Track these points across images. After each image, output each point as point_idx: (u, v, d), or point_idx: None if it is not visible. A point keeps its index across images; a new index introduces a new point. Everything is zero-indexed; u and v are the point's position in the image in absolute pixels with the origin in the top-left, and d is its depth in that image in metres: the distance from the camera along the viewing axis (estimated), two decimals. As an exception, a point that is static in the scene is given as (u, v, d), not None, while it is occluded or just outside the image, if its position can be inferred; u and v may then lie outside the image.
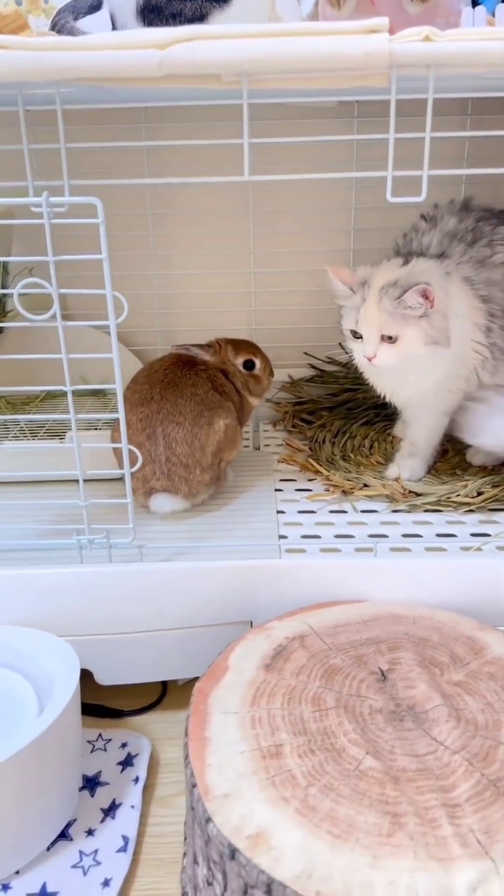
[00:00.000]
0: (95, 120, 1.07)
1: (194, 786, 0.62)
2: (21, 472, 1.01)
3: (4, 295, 1.17)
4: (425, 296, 0.87)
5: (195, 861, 0.64)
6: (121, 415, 0.80)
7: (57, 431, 1.18)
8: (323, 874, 0.54)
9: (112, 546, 0.86)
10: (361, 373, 1.03)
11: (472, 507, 1.00)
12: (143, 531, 0.91)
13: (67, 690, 0.73)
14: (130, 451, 0.82)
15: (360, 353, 0.93)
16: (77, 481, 1.04)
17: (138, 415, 0.93)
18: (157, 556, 0.87)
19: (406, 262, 0.93)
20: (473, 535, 0.95)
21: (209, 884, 0.62)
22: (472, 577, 0.87)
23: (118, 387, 0.79)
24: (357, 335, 0.93)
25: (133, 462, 0.82)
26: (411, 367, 0.93)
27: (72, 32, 0.95)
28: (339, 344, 1.29)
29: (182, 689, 0.96)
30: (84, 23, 0.98)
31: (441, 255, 0.96)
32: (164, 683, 0.97)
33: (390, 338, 0.90)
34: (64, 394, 1.32)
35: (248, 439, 1.27)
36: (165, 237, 1.29)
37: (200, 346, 1.05)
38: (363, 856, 0.55)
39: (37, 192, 0.73)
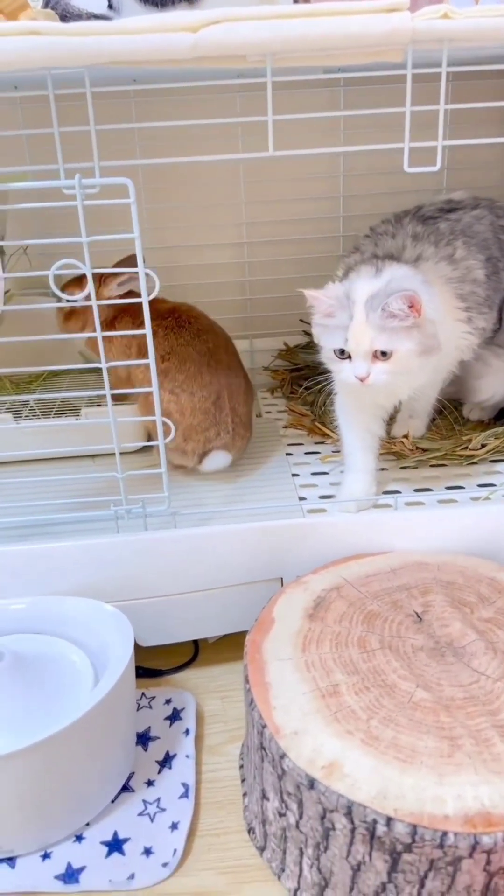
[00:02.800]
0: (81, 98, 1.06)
1: (264, 727, 0.67)
2: (64, 448, 1.04)
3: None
4: (411, 304, 0.82)
5: (263, 796, 0.70)
6: (154, 390, 0.83)
7: (63, 410, 1.20)
8: (396, 794, 0.59)
9: (147, 515, 0.89)
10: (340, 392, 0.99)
11: (476, 460, 1.06)
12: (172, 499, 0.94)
13: (124, 656, 0.77)
14: (164, 424, 0.85)
15: (349, 374, 0.86)
16: (91, 456, 1.09)
17: (200, 383, 0.97)
18: (190, 522, 0.91)
19: (379, 270, 0.88)
20: (480, 485, 1.01)
21: (281, 815, 0.67)
22: (485, 525, 0.93)
23: (151, 361, 0.82)
24: (344, 354, 0.87)
25: (167, 433, 0.86)
26: (403, 378, 0.88)
27: (66, 10, 0.95)
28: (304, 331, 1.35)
29: (213, 646, 1.01)
30: (79, 1, 0.99)
31: (417, 259, 0.94)
32: (196, 642, 1.02)
33: (383, 353, 0.85)
34: (65, 372, 1.35)
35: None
36: (158, 211, 1.31)
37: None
38: (429, 775, 0.60)
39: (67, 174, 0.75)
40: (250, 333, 1.37)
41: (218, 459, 1.01)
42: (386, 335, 0.83)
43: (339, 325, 0.85)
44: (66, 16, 0.96)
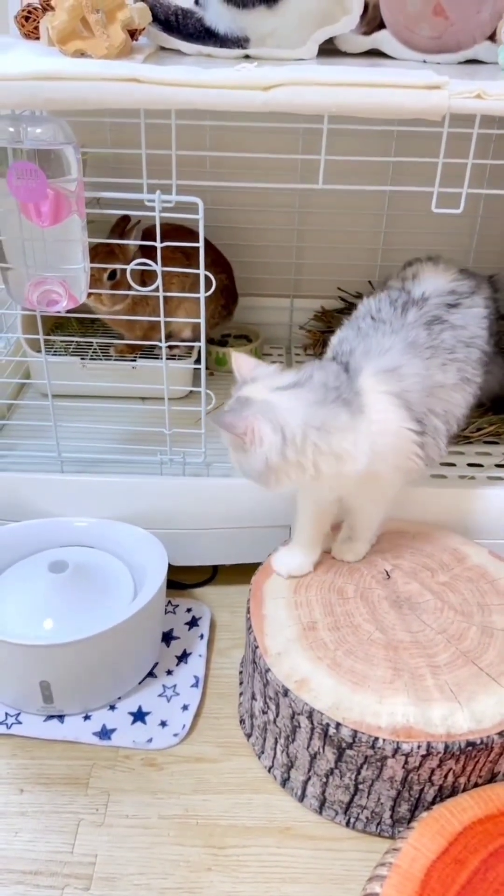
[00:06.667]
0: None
1: (256, 647, 0.89)
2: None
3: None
4: (238, 430, 0.80)
5: (253, 697, 0.92)
6: (202, 363, 1.01)
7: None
8: (346, 707, 0.81)
9: (186, 463, 1.09)
10: None
11: (471, 440, 1.24)
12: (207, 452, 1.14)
13: (159, 575, 0.99)
14: (208, 394, 1.03)
15: None
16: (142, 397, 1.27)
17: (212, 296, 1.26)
18: (220, 472, 1.11)
19: (291, 387, 0.84)
20: (469, 464, 1.19)
21: (264, 712, 0.90)
22: (464, 502, 1.11)
23: (202, 345, 0.99)
24: None
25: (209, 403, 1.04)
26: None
27: (157, 1, 1.07)
28: (369, 282, 1.48)
29: (229, 570, 1.22)
30: (169, -5, 1.09)
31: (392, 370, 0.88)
32: (215, 565, 1.24)
33: None
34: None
35: (283, 362, 1.48)
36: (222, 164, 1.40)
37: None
38: (373, 696, 0.82)
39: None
40: (292, 294, 1.52)
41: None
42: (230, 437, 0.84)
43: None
44: (155, 5, 1.08)
